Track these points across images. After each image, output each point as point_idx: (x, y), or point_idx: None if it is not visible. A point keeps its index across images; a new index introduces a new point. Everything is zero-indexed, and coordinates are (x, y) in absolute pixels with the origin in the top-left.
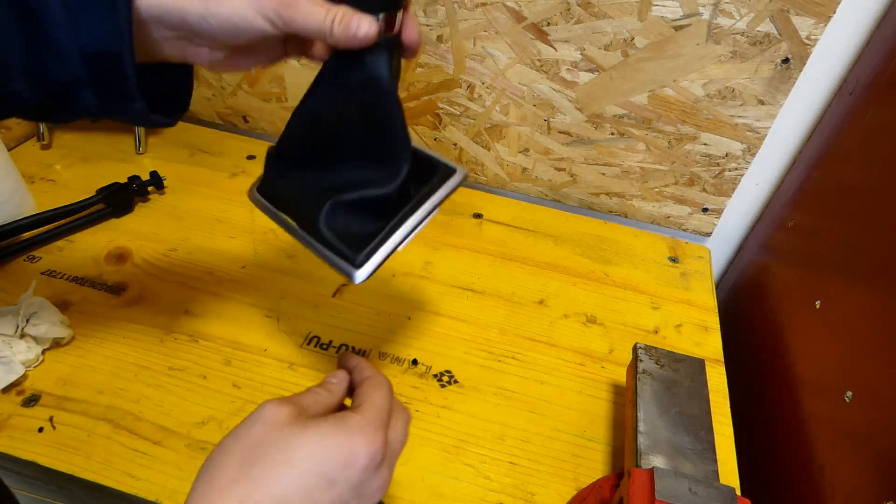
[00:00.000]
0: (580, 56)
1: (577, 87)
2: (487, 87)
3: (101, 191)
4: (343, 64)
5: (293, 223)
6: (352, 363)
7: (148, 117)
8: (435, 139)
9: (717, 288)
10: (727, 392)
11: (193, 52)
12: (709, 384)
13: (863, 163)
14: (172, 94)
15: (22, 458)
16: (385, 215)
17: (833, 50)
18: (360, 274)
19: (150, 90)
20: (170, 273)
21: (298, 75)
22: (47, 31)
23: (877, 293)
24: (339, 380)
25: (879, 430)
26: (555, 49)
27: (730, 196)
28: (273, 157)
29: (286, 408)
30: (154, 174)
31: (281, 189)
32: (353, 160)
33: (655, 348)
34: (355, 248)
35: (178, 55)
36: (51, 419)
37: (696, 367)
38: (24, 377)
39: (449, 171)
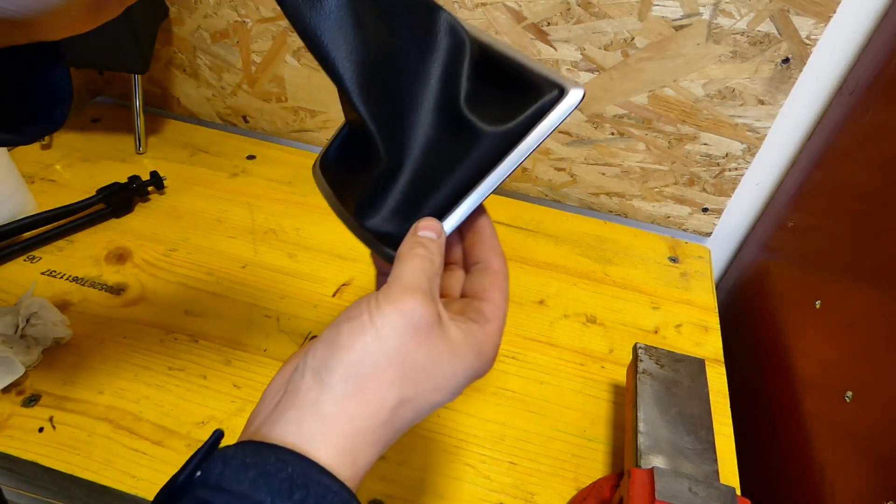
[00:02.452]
0: (580, 56)
1: None
2: None
3: (101, 191)
4: None
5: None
6: (479, 230)
7: None
8: None
9: (717, 288)
10: (727, 392)
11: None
12: (709, 384)
13: (863, 163)
14: (26, 105)
15: (22, 458)
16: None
17: (833, 50)
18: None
19: None
20: (170, 273)
21: (299, 75)
22: None
23: (877, 293)
24: (438, 245)
25: (879, 430)
26: (555, 49)
27: (730, 196)
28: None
29: (434, 311)
30: (154, 174)
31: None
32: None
33: (655, 348)
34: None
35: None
36: (51, 419)
37: (696, 367)
38: (24, 377)
39: (552, 93)
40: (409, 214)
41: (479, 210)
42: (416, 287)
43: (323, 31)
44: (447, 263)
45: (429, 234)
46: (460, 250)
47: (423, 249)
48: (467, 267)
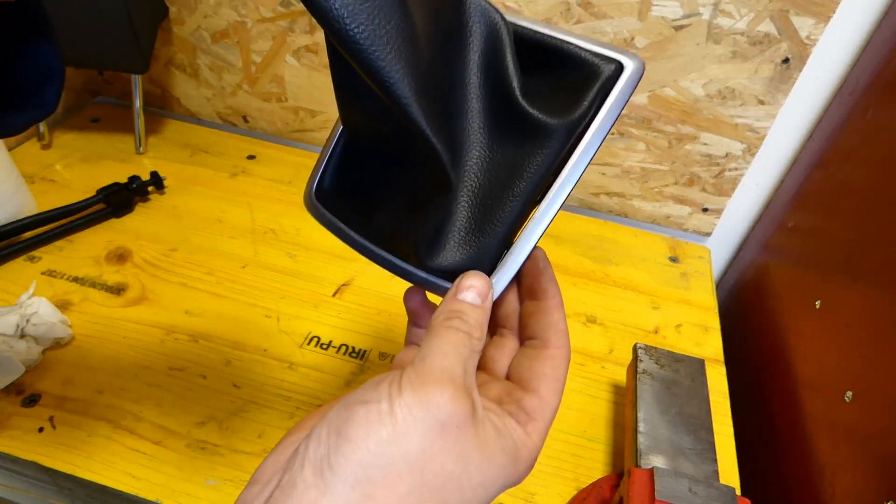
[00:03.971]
0: None
1: None
2: None
3: (101, 191)
4: None
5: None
6: (542, 289)
7: None
8: None
9: (717, 288)
10: (727, 392)
11: None
12: (709, 384)
13: (863, 163)
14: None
15: (22, 458)
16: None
17: (833, 50)
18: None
19: None
20: (170, 273)
21: (299, 75)
22: None
23: (877, 293)
24: (482, 313)
25: (879, 430)
26: None
27: (730, 196)
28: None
29: (467, 407)
30: (154, 174)
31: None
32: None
33: (655, 348)
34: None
35: None
36: (51, 419)
37: (696, 367)
38: (24, 377)
39: (610, 68)
40: (475, 244)
41: (543, 259)
42: (448, 375)
43: (374, 30)
44: (497, 326)
45: (471, 296)
46: (515, 301)
47: (459, 322)
48: (521, 333)
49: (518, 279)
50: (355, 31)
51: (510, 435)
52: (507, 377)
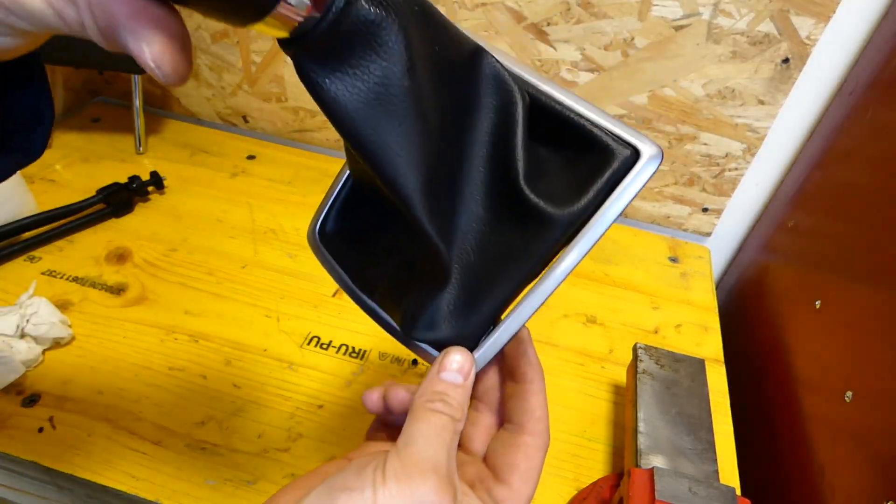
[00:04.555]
0: (580, 56)
1: (577, 87)
2: None
3: (101, 191)
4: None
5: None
6: (523, 373)
7: None
8: None
9: (717, 288)
10: (727, 392)
11: None
12: (709, 384)
13: (863, 163)
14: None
15: (22, 458)
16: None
17: (833, 50)
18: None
19: None
20: (170, 273)
21: None
22: None
23: (877, 293)
24: (463, 391)
25: (879, 430)
26: (555, 49)
27: (730, 196)
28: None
29: (449, 497)
30: (154, 174)
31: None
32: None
33: (655, 348)
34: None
35: None
36: (51, 419)
37: (696, 367)
38: (24, 377)
39: (624, 155)
40: (466, 317)
41: (527, 341)
42: (432, 465)
43: (383, 130)
44: (475, 401)
45: (452, 375)
46: (495, 376)
47: (442, 405)
48: (501, 413)
49: (500, 356)
50: (364, 135)
51: None
52: (484, 458)
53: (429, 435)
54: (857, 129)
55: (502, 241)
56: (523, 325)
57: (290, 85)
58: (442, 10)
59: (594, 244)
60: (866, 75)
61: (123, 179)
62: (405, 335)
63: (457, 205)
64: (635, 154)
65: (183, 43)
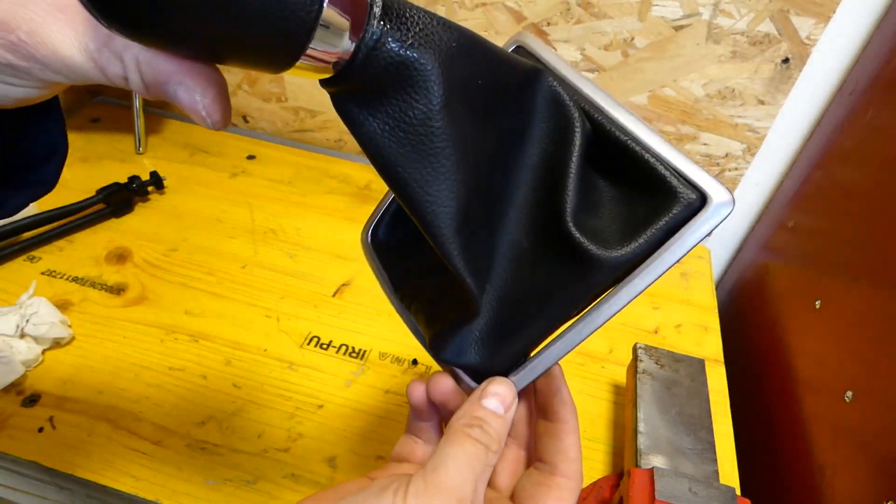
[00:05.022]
0: (580, 56)
1: None
2: None
3: (101, 191)
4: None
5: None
6: (555, 409)
7: None
8: None
9: (717, 288)
10: (727, 392)
11: None
12: (709, 384)
13: (863, 163)
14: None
15: (22, 458)
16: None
17: (833, 50)
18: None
19: None
20: (170, 273)
21: None
22: None
23: (877, 293)
24: (502, 424)
25: (879, 430)
26: (555, 49)
27: None
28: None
29: None
30: (154, 174)
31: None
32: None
33: (655, 348)
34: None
35: None
36: (51, 419)
37: (696, 367)
38: (24, 377)
39: (689, 199)
40: (499, 349)
41: (560, 378)
42: (457, 495)
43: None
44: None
45: (494, 403)
46: (523, 409)
47: (480, 432)
48: (532, 451)
49: (533, 391)
50: (395, 172)
51: None
52: (511, 496)
53: (459, 461)
54: (857, 129)
55: (543, 276)
56: (556, 363)
57: (289, 85)
58: (442, 10)
59: (640, 293)
60: (866, 75)
61: (123, 179)
62: (435, 354)
63: (498, 231)
64: (702, 199)
65: (227, 94)
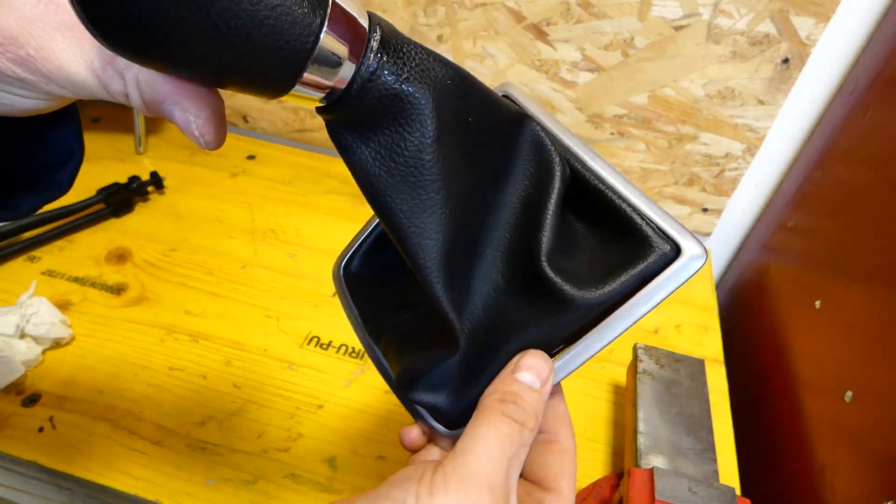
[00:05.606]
0: (580, 56)
1: (577, 87)
2: None
3: (101, 191)
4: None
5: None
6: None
7: None
8: None
9: (717, 288)
10: (727, 392)
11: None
12: (709, 384)
13: (863, 163)
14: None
15: (22, 458)
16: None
17: (833, 50)
18: None
19: None
20: (170, 273)
21: None
22: None
23: (877, 293)
24: (539, 399)
25: (879, 430)
26: (555, 49)
27: (730, 196)
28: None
29: None
30: (154, 174)
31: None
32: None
33: (655, 348)
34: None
35: None
36: (51, 419)
37: (696, 367)
38: (24, 377)
39: (663, 250)
40: (464, 388)
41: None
42: (488, 482)
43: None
44: None
45: (529, 377)
46: None
47: (514, 408)
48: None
49: None
50: (383, 202)
51: None
52: (521, 474)
53: (491, 444)
54: (857, 129)
55: (518, 315)
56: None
57: None
58: (442, 10)
59: (614, 339)
60: (866, 75)
61: (123, 179)
62: (401, 391)
63: (476, 269)
64: (675, 251)
65: (222, 115)
